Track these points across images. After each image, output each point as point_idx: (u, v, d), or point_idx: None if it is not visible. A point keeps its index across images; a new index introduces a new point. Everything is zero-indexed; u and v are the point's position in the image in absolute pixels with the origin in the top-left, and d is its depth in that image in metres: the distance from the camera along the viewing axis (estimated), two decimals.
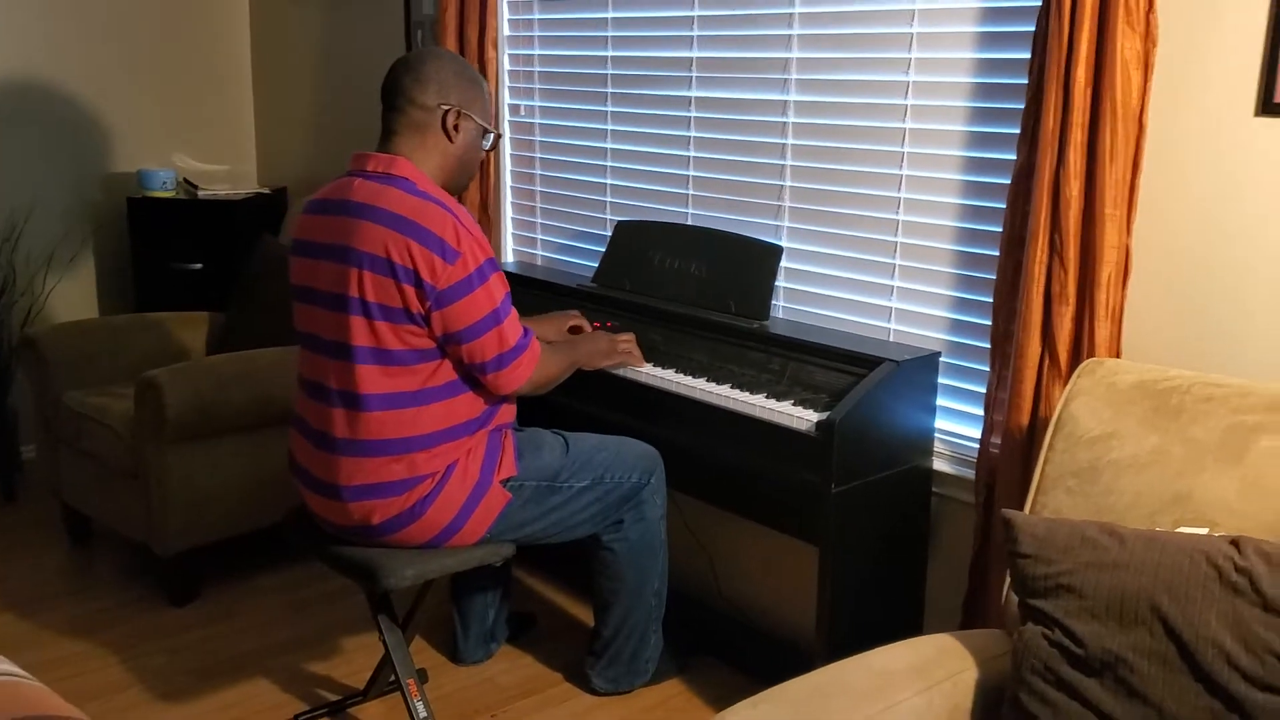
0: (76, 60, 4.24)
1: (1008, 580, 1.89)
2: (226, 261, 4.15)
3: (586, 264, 3.40)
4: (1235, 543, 1.62)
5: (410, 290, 2.27)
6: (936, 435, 2.62)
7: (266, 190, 4.45)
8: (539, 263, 3.62)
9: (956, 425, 2.64)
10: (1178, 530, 1.73)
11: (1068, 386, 2.02)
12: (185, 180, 4.36)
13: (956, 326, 2.63)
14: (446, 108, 2.39)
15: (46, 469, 3.66)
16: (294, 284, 2.47)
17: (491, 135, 2.53)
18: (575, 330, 2.83)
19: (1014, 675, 1.70)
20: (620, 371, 2.73)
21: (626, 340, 2.75)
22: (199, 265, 4.19)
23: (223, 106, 4.66)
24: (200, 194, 4.28)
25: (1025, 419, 2.33)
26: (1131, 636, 1.60)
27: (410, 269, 2.25)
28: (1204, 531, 1.70)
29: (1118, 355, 2.24)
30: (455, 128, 2.41)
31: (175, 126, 4.54)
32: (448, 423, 2.39)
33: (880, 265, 2.74)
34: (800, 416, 2.43)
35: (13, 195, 4.15)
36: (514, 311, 2.40)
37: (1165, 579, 1.60)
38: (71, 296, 4.35)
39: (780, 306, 2.94)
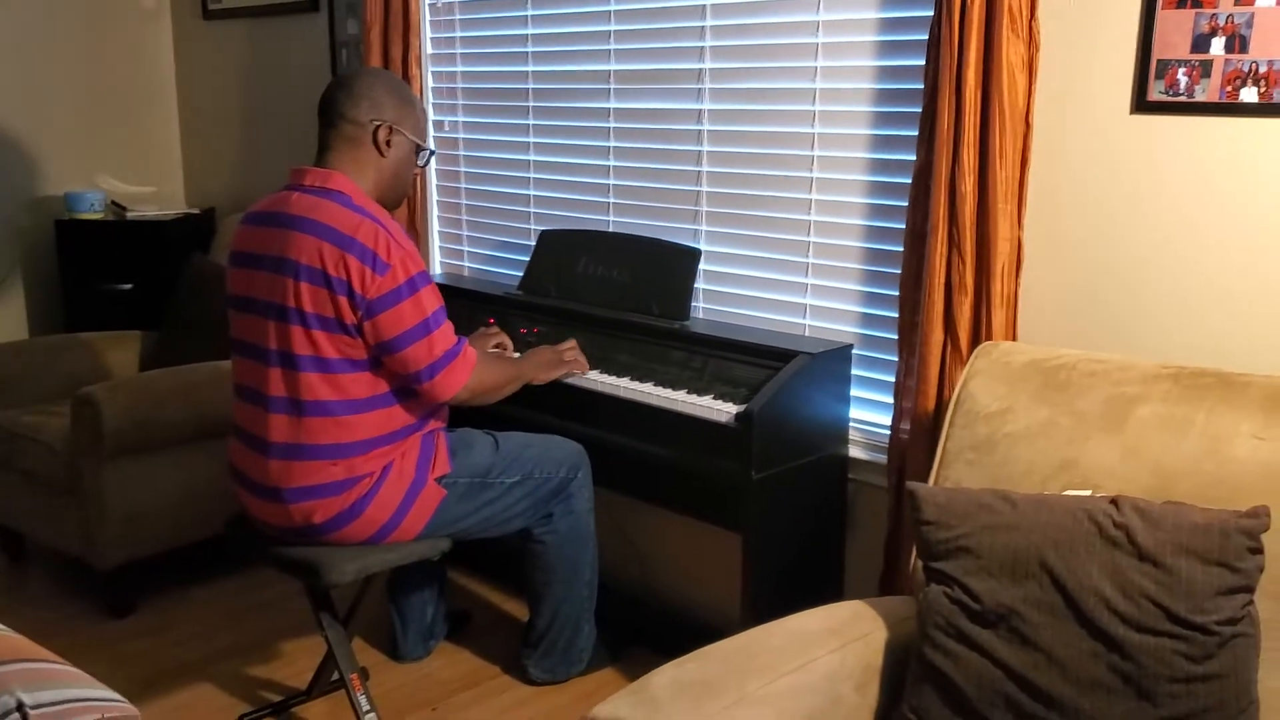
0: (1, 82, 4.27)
1: (914, 551, 2.03)
2: (156, 281, 4.19)
3: (512, 273, 3.50)
4: (1114, 501, 1.76)
5: (344, 300, 2.36)
6: (851, 424, 2.76)
7: (195, 211, 4.50)
8: (466, 273, 3.72)
9: (870, 414, 2.78)
10: (1065, 493, 1.87)
11: (966, 367, 2.17)
12: (113, 202, 4.40)
13: (867, 320, 2.77)
14: (378, 123, 2.49)
15: None
16: (232, 293, 2.54)
17: (425, 152, 2.63)
18: (498, 346, 2.92)
19: (919, 632, 1.83)
20: (566, 379, 2.82)
21: (570, 349, 2.85)
22: (129, 285, 4.23)
23: (147, 128, 4.71)
24: (129, 215, 4.32)
25: (931, 404, 2.48)
26: (1023, 590, 1.74)
27: (344, 280, 2.34)
28: (1088, 493, 1.85)
29: (1014, 339, 2.39)
30: (387, 143, 2.50)
31: (100, 149, 4.57)
32: (385, 429, 2.48)
33: (794, 264, 2.88)
34: (720, 409, 2.55)
35: None
36: (448, 323, 2.49)
37: (1052, 536, 1.75)
38: (3, 319, 4.36)
39: (701, 308, 3.07)
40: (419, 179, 3.57)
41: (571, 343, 2.87)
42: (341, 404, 2.42)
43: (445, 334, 2.46)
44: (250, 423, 2.52)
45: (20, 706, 0.92)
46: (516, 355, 2.87)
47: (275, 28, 4.21)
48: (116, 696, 0.98)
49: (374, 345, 2.40)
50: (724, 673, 1.73)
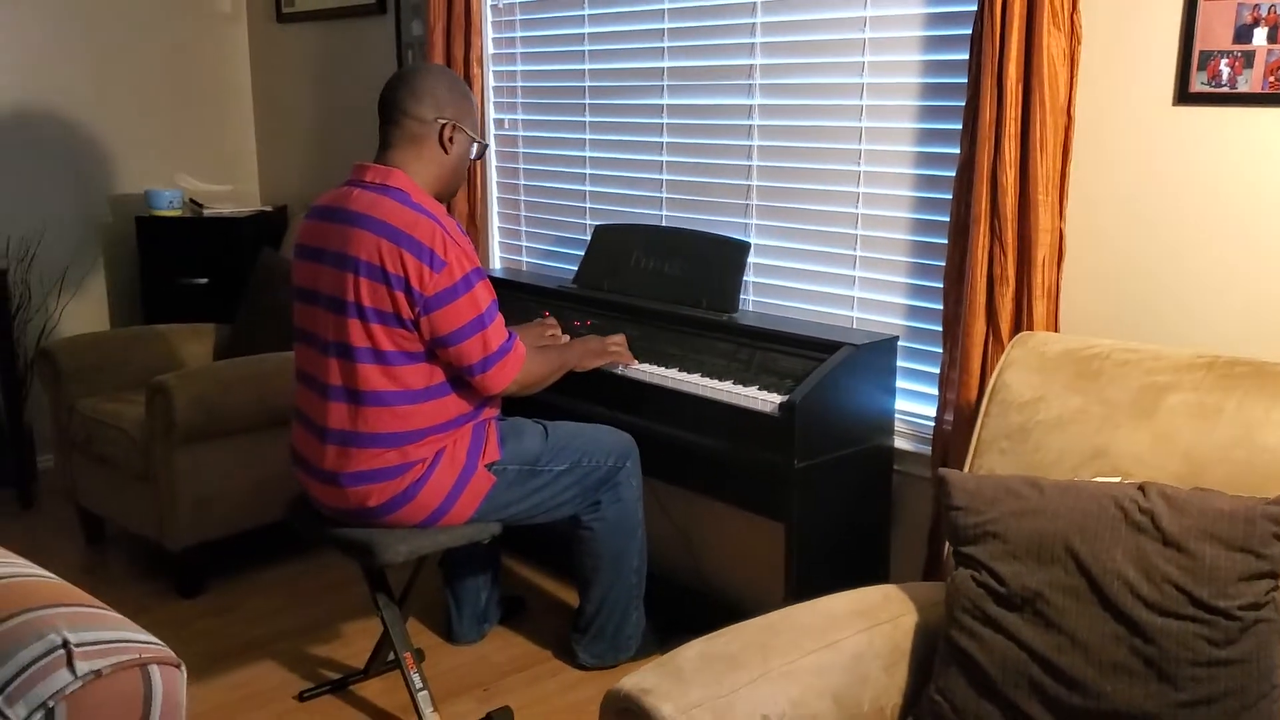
0: (85, 87, 4.44)
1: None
2: (230, 276, 4.34)
3: (568, 267, 3.58)
4: (1141, 487, 1.78)
5: (401, 296, 2.44)
6: (897, 415, 2.79)
7: (269, 208, 4.64)
8: (524, 268, 3.80)
9: (916, 405, 2.81)
10: (1091, 480, 1.89)
11: (1002, 357, 2.19)
12: (191, 200, 4.56)
13: (913, 312, 2.80)
14: (443, 122, 2.57)
15: (62, 476, 3.84)
16: (296, 285, 2.64)
17: (478, 145, 2.71)
18: (552, 337, 2.99)
19: (947, 615, 1.86)
20: (611, 368, 2.89)
21: (617, 341, 2.91)
22: (204, 280, 4.38)
23: (224, 128, 4.87)
24: (205, 212, 4.47)
25: (973, 395, 2.50)
26: (1048, 573, 1.76)
27: (401, 276, 2.43)
28: (1117, 480, 1.87)
29: (1055, 330, 2.41)
30: (450, 140, 2.58)
31: (180, 148, 4.73)
32: (439, 418, 2.56)
33: (842, 257, 2.92)
34: (764, 399, 2.60)
35: (26, 217, 4.35)
36: (500, 317, 2.56)
37: (1078, 521, 1.77)
38: (83, 313, 4.54)
39: (750, 300, 3.12)
40: (475, 175, 3.66)
41: (620, 336, 2.94)
42: (397, 394, 2.51)
43: (498, 329, 2.54)
44: (310, 409, 2.62)
45: (65, 644, 1.00)
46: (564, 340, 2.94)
47: (345, 29, 4.33)
48: (156, 640, 1.06)
49: (430, 339, 2.48)
50: (748, 648, 1.78)
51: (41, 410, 4.20)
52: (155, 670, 1.03)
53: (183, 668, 1.06)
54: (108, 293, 4.63)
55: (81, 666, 0.99)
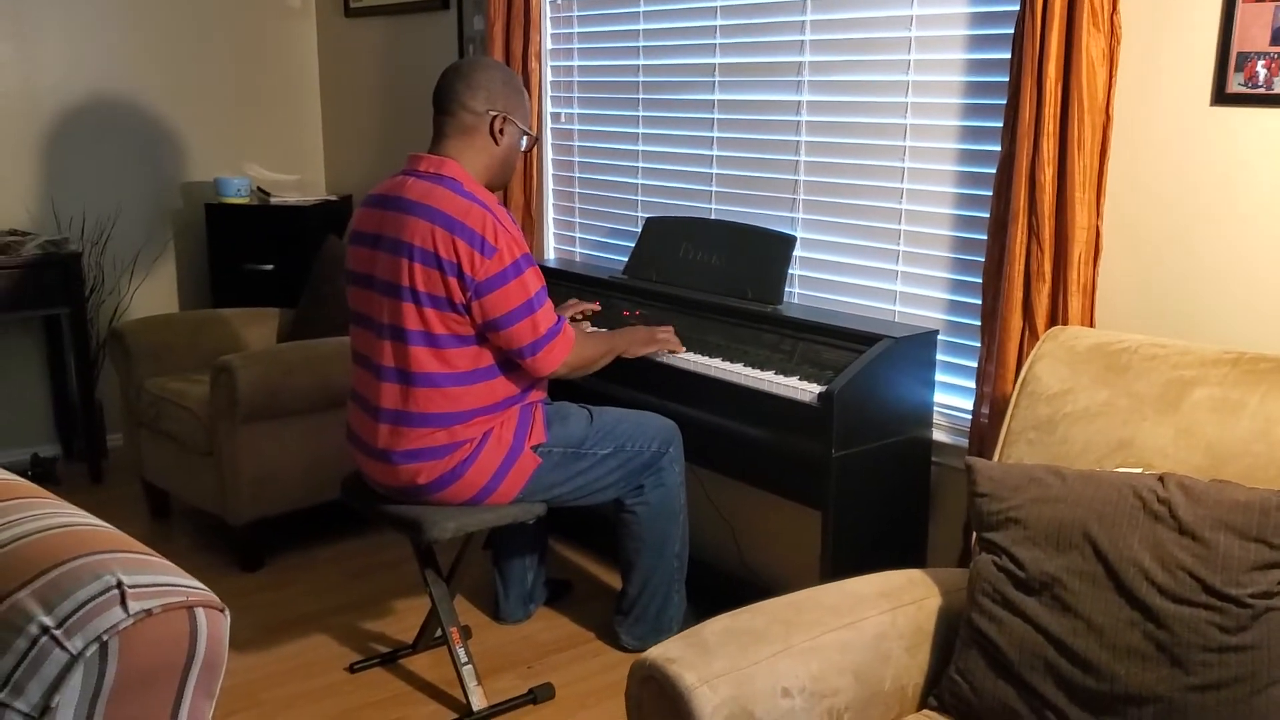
0: (159, 77, 4.60)
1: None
2: (295, 263, 4.47)
3: (620, 258, 3.65)
4: (1160, 478, 1.82)
5: (453, 281, 2.54)
6: (936, 408, 2.83)
7: (333, 198, 4.77)
8: (577, 259, 3.89)
9: (954, 399, 2.85)
10: (1113, 470, 1.93)
11: (1034, 350, 2.23)
12: (258, 188, 4.70)
13: (954, 306, 2.84)
14: (494, 114, 2.66)
15: (130, 452, 3.99)
16: (351, 270, 2.75)
17: (528, 138, 2.80)
18: (578, 317, 3.08)
19: (969, 598, 1.91)
20: (657, 356, 2.96)
21: (665, 330, 2.98)
22: (270, 266, 4.51)
23: (292, 120, 5.01)
24: (272, 200, 4.61)
25: (1009, 388, 2.54)
26: (1066, 559, 1.81)
27: (454, 262, 2.52)
28: (1138, 470, 1.91)
29: (1091, 326, 2.44)
30: (501, 131, 2.67)
31: (248, 138, 4.88)
32: (488, 400, 2.65)
33: (886, 251, 2.96)
34: (804, 389, 2.65)
35: (101, 202, 4.52)
36: (549, 302, 2.65)
37: (1097, 509, 1.81)
38: (153, 295, 4.71)
39: (795, 293, 3.17)
40: (531, 168, 3.75)
41: (668, 327, 3.01)
42: (447, 376, 2.60)
43: (547, 313, 2.62)
44: (365, 389, 2.72)
45: (119, 584, 1.09)
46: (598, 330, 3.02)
47: (409, 24, 4.44)
48: (202, 586, 1.15)
49: (481, 323, 2.57)
50: (772, 624, 1.84)
51: (112, 389, 4.36)
52: (201, 612, 1.12)
53: (226, 612, 1.15)
54: (177, 276, 4.79)
55: (133, 605, 1.08)
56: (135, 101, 4.57)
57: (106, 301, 4.54)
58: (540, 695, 2.86)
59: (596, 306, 3.16)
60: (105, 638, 1.05)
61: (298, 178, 5.02)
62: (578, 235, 3.88)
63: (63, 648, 1.04)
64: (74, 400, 4.47)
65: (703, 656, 1.74)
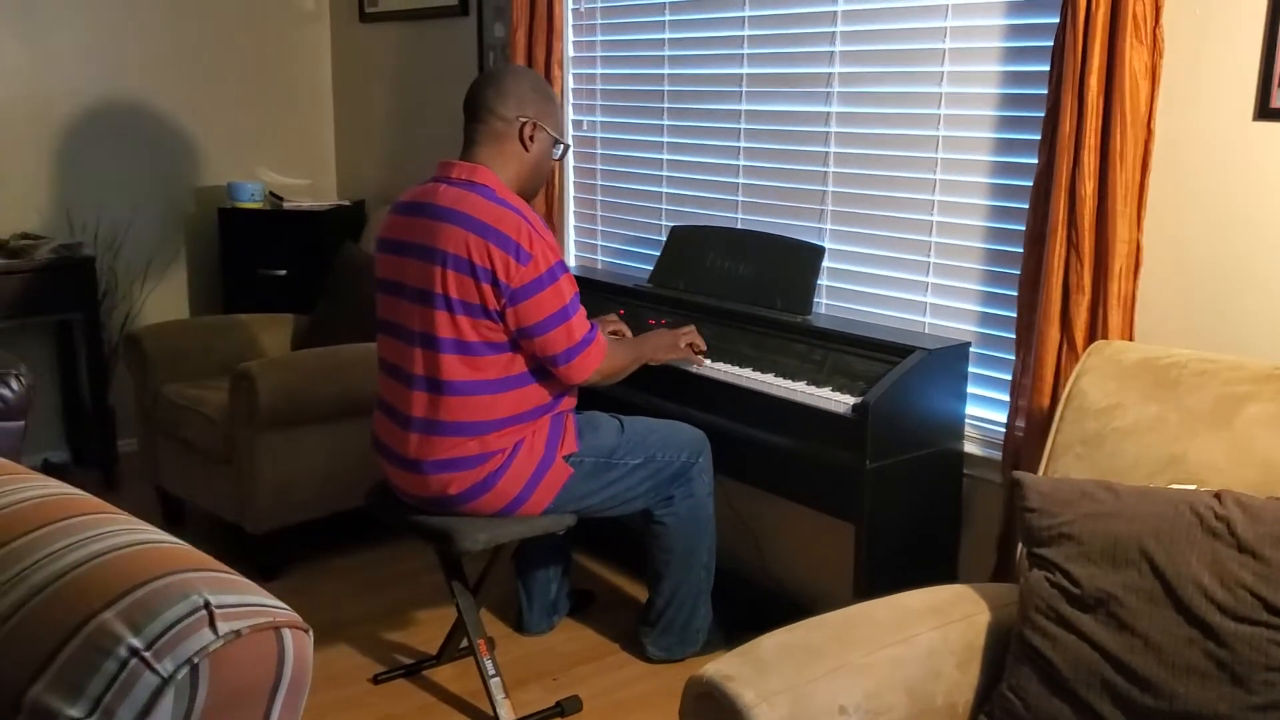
0: (172, 81, 4.58)
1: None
2: (309, 268, 4.45)
3: (642, 266, 3.64)
4: (1217, 495, 1.81)
5: (488, 288, 2.52)
6: (967, 420, 2.82)
7: (347, 203, 4.75)
8: (599, 266, 3.87)
9: (987, 411, 2.84)
10: (1168, 487, 1.92)
11: (1079, 364, 2.22)
12: (271, 193, 4.68)
13: (986, 319, 2.83)
14: (524, 120, 2.65)
15: (144, 458, 3.97)
16: (380, 277, 2.73)
17: (561, 146, 2.78)
18: (615, 334, 3.05)
19: (1021, 614, 1.90)
20: (683, 365, 2.95)
21: (688, 333, 2.97)
22: (284, 272, 4.49)
23: (305, 124, 4.99)
24: (285, 205, 4.59)
25: (1046, 401, 2.53)
26: (1122, 576, 1.80)
27: (488, 269, 2.50)
28: (1192, 488, 1.90)
29: (1130, 340, 2.43)
30: (531, 138, 2.66)
31: (261, 143, 4.86)
32: (519, 409, 2.63)
33: (916, 263, 2.95)
34: (838, 400, 2.64)
35: (114, 207, 4.49)
36: (582, 309, 2.64)
37: (1153, 526, 1.80)
38: (165, 301, 4.68)
39: (823, 304, 3.16)
40: (556, 174, 3.73)
41: (690, 327, 2.99)
42: (479, 384, 2.58)
43: (581, 320, 2.61)
44: (393, 398, 2.70)
45: (207, 605, 1.07)
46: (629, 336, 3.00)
47: (427, 30, 4.43)
48: (285, 606, 1.13)
49: (515, 330, 2.55)
50: (827, 640, 1.83)
51: (124, 394, 4.33)
52: (287, 633, 1.10)
53: (310, 633, 1.13)
54: (189, 282, 4.76)
55: (222, 627, 1.06)
56: (148, 106, 4.54)
57: (119, 307, 4.51)
58: (568, 708, 2.84)
59: (626, 333, 3.11)
60: (196, 660, 1.03)
61: (310, 183, 5.00)
62: (599, 243, 3.87)
63: (153, 670, 1.02)
64: (86, 406, 4.44)
65: (760, 673, 1.72)
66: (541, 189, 2.81)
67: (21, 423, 2.44)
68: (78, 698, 1.02)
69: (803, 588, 3.27)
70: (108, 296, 4.42)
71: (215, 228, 4.60)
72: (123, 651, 1.03)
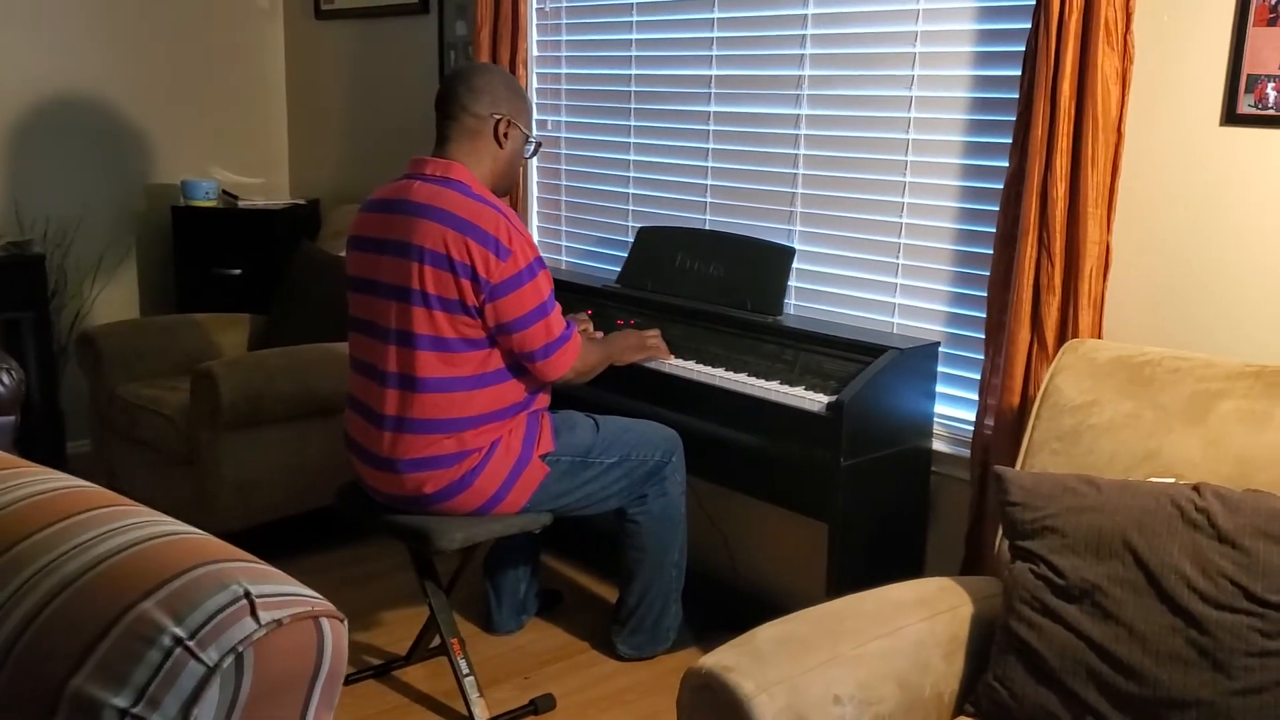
0: (123, 77, 4.51)
1: (1000, 532, 2.14)
2: (264, 268, 4.40)
3: (607, 267, 3.65)
4: (1196, 488, 1.87)
5: (467, 284, 2.52)
6: (936, 419, 2.87)
7: (302, 202, 4.71)
8: (564, 267, 3.88)
9: (954, 409, 2.89)
10: (1147, 480, 1.98)
11: (1053, 362, 2.28)
12: (225, 191, 4.62)
13: (954, 319, 2.88)
14: (499, 117, 2.65)
15: (99, 460, 3.90)
16: (352, 275, 2.71)
17: (533, 144, 2.79)
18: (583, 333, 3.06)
19: (1005, 605, 1.94)
20: (646, 363, 2.97)
21: (653, 335, 3.00)
22: (238, 271, 4.44)
23: (258, 122, 4.93)
24: (240, 204, 4.54)
25: (1016, 400, 2.58)
26: (1106, 567, 1.84)
27: (468, 264, 2.51)
28: (1171, 480, 1.95)
29: (1099, 339, 2.49)
30: (505, 135, 2.67)
31: (213, 140, 4.80)
32: (495, 406, 2.64)
33: (885, 264, 3.00)
34: (812, 399, 2.68)
35: (64, 204, 4.41)
36: (558, 306, 2.65)
37: (1135, 518, 1.85)
38: (116, 300, 4.60)
39: (793, 304, 3.19)
40: (523, 172, 3.73)
41: (656, 330, 3.02)
42: (456, 380, 2.58)
43: (558, 317, 2.63)
44: (367, 396, 2.68)
45: (247, 594, 1.06)
46: (599, 335, 3.02)
47: (386, 28, 4.40)
48: (320, 596, 1.13)
49: (494, 326, 2.56)
50: (819, 632, 1.85)
51: (74, 395, 4.26)
52: (325, 622, 1.10)
53: (345, 622, 1.14)
54: (139, 281, 4.69)
55: (264, 616, 1.05)
56: (99, 102, 4.47)
57: (69, 306, 4.43)
58: (541, 706, 2.84)
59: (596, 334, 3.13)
60: (240, 649, 1.03)
61: (262, 181, 4.94)
62: (564, 244, 3.87)
63: (198, 659, 1.02)
64: (34, 407, 4.35)
65: (758, 664, 1.75)
66: (513, 186, 2.81)
67: (13, 417, 2.40)
68: (122, 687, 1.01)
69: (768, 584, 3.30)
70: (57, 295, 4.34)
71: (168, 226, 4.53)
72: (166, 641, 1.02)
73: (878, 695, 1.83)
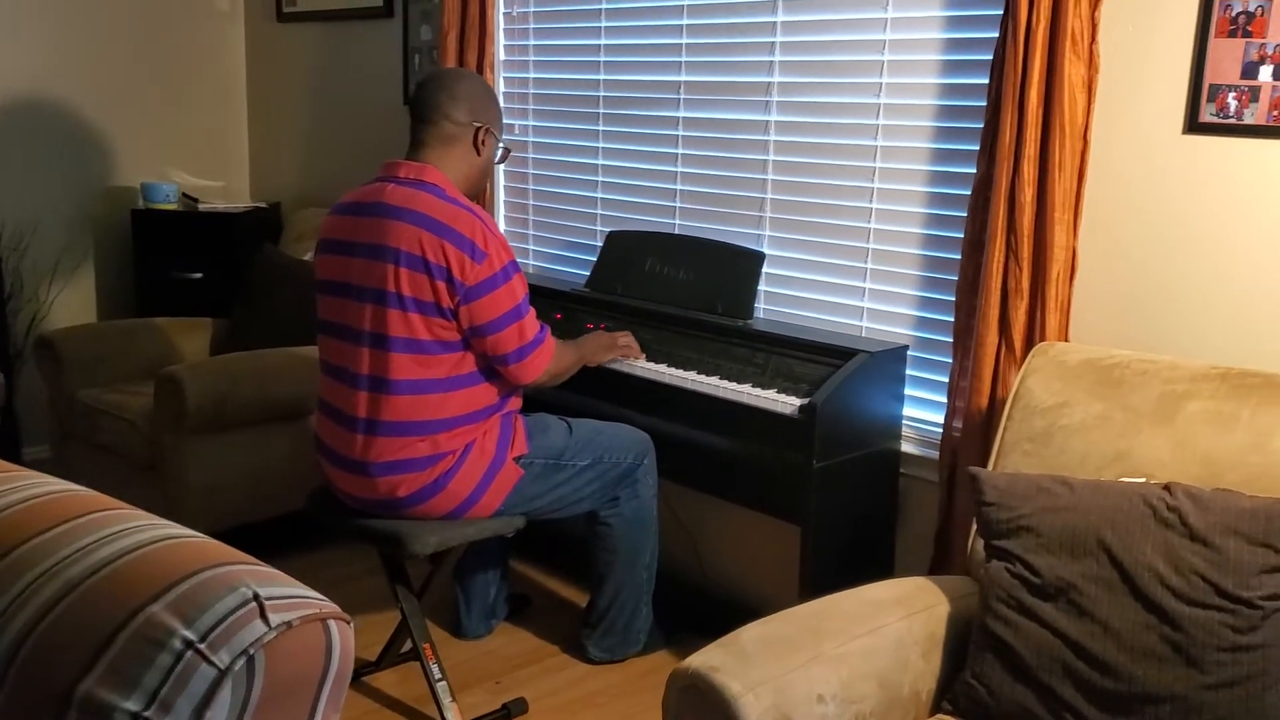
0: (81, 79, 4.45)
1: (973, 531, 2.18)
2: (225, 271, 4.36)
3: (576, 271, 3.66)
4: (1167, 487, 1.91)
5: (442, 286, 2.52)
6: (904, 421, 2.90)
7: (263, 205, 4.67)
8: (531, 270, 3.88)
9: (921, 412, 2.93)
10: (1119, 480, 2.02)
11: (1024, 365, 2.32)
12: (185, 194, 4.58)
13: (921, 323, 2.92)
14: (478, 125, 2.66)
15: (58, 466, 3.84)
16: (322, 278, 2.70)
17: (502, 149, 2.81)
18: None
19: (982, 604, 1.97)
20: (617, 366, 2.99)
21: (625, 336, 3.02)
22: (199, 275, 4.40)
23: (218, 125, 4.89)
24: (201, 207, 4.50)
25: (985, 402, 2.62)
26: (1081, 566, 1.88)
27: (443, 266, 2.51)
28: (1142, 480, 1.99)
29: (1065, 341, 2.54)
30: (483, 144, 2.68)
31: (172, 143, 4.75)
32: (468, 408, 2.64)
33: (854, 269, 3.03)
34: (784, 401, 2.70)
35: (20, 206, 4.35)
36: (532, 309, 2.66)
37: (1109, 517, 1.89)
38: (73, 304, 4.54)
39: (762, 309, 3.22)
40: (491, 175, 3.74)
41: (627, 333, 3.05)
42: (430, 382, 2.58)
43: (532, 320, 2.63)
44: (338, 399, 2.67)
45: (256, 597, 1.07)
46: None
47: (349, 31, 4.38)
48: (324, 598, 1.13)
49: (468, 328, 2.56)
50: (802, 632, 1.88)
51: (29, 400, 4.20)
52: (333, 625, 1.11)
53: (351, 624, 1.14)
54: (97, 284, 4.63)
55: (274, 618, 1.06)
56: (56, 104, 4.41)
57: (25, 309, 4.37)
58: (514, 710, 2.85)
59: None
60: (251, 651, 1.03)
61: (223, 184, 4.90)
62: (531, 248, 3.88)
63: (210, 662, 1.02)
64: None
65: (743, 664, 1.76)
66: (482, 192, 2.82)
67: None
68: (133, 690, 1.01)
69: (738, 587, 3.33)
70: (13, 299, 4.28)
71: (127, 229, 4.48)
72: (176, 644, 1.03)
73: (859, 694, 1.86)
